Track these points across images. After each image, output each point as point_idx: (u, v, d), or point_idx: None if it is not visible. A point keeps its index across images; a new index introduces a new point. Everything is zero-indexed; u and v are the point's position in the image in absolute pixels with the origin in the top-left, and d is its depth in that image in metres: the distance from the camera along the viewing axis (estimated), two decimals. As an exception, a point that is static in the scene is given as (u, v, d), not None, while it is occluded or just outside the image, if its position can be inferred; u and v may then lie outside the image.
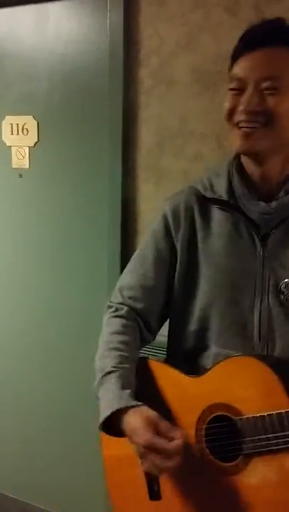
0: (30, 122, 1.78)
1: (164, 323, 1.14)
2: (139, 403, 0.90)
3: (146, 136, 1.54)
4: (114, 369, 0.97)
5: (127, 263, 1.64)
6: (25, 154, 1.82)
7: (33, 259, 1.87)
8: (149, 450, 0.83)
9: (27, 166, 1.82)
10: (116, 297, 1.11)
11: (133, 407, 0.89)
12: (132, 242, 1.64)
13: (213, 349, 1.01)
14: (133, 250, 1.63)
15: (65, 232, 1.79)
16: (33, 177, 1.82)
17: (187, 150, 1.49)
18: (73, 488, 1.95)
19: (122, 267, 1.64)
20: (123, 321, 1.06)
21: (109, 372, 0.96)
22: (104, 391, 0.95)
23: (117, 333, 1.04)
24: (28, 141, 1.80)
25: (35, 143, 1.79)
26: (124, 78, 1.51)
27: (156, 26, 1.46)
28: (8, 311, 1.96)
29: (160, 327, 1.14)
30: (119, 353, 1.00)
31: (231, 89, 0.93)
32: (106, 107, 1.59)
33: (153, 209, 1.58)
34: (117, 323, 1.06)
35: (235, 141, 0.93)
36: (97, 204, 1.70)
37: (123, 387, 0.93)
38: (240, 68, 0.91)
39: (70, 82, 1.68)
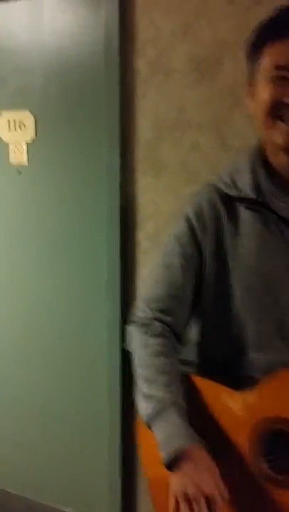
0: (27, 117, 1.77)
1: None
2: (202, 441, 0.86)
3: (143, 127, 1.53)
4: (170, 399, 0.90)
5: (126, 256, 1.66)
6: (23, 150, 1.81)
7: (33, 255, 1.86)
8: (200, 496, 0.79)
9: (25, 163, 1.81)
10: (143, 311, 1.02)
11: (196, 445, 0.85)
12: (132, 235, 1.63)
13: (250, 354, 0.96)
14: (132, 243, 1.63)
15: (65, 226, 1.78)
16: (32, 173, 1.81)
17: (185, 140, 1.48)
18: (77, 484, 1.95)
19: (122, 260, 1.65)
20: (160, 339, 0.98)
21: (166, 404, 0.90)
22: (165, 424, 0.88)
23: (159, 354, 0.96)
24: (25, 137, 1.79)
25: (33, 138, 1.78)
26: (121, 69, 1.51)
27: (152, 16, 1.45)
28: (7, 307, 1.95)
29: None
30: (168, 377, 0.93)
31: (276, 79, 0.86)
32: (103, 98, 1.58)
33: (151, 201, 1.57)
34: (156, 343, 0.98)
35: (277, 137, 0.88)
36: (95, 197, 1.69)
37: (184, 421, 0.88)
38: (281, 55, 0.85)
39: (66, 75, 1.67)
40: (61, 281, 1.83)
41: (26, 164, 1.81)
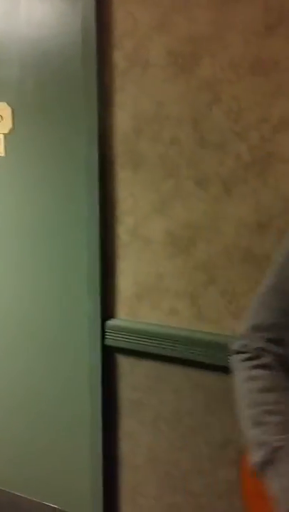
0: (4, 109, 1.74)
1: None
2: None
3: (122, 120, 1.52)
4: (284, 445, 0.79)
5: (106, 249, 1.66)
6: (0, 142, 1.78)
7: (10, 250, 1.84)
8: None
9: (2, 154, 1.79)
10: (251, 340, 0.91)
11: None
12: (111, 229, 1.62)
13: None
14: (112, 237, 1.63)
15: (44, 219, 1.77)
16: (10, 164, 1.78)
17: (164, 134, 1.47)
18: (62, 479, 1.96)
19: (102, 254, 1.64)
20: (269, 372, 0.87)
21: (280, 451, 0.78)
22: (279, 475, 0.77)
23: (269, 390, 0.85)
24: (3, 128, 1.77)
25: (10, 129, 1.75)
26: (98, 61, 1.48)
27: (129, 8, 1.43)
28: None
29: None
30: (280, 418, 0.81)
31: None
32: (80, 90, 1.56)
33: (131, 195, 1.56)
34: (266, 377, 0.87)
35: None
36: (74, 190, 1.68)
37: None
38: None
39: (44, 67, 1.64)
40: (40, 276, 1.82)
41: (3, 155, 1.79)
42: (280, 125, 1.32)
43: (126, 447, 1.79)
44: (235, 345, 0.94)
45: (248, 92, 1.34)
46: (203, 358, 1.54)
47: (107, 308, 1.69)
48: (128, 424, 1.76)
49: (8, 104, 1.73)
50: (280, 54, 1.28)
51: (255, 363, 0.88)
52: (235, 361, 0.92)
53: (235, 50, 1.33)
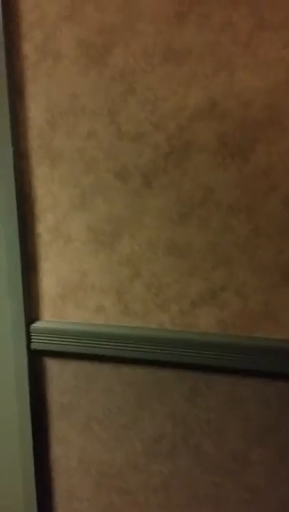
0: None
1: None
2: None
3: (35, 113, 1.46)
4: None
5: (27, 249, 1.59)
6: None
7: None
8: None
9: None
10: None
11: None
12: (31, 228, 1.57)
13: None
14: (33, 236, 1.57)
15: None
16: None
17: (80, 127, 1.44)
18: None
19: (22, 254, 1.58)
20: None
21: None
22: None
23: None
24: None
25: None
26: (7, 53, 1.42)
27: (37, -3, 1.38)
28: None
29: None
30: None
31: None
32: (-10, 84, 1.48)
33: (49, 192, 1.51)
34: None
35: None
36: (-11, 190, 1.60)
37: None
38: None
39: None
40: None
41: None
42: (196, 113, 1.33)
43: (58, 451, 1.74)
44: None
45: (163, 81, 1.33)
46: (133, 354, 1.52)
47: (31, 311, 1.62)
48: (59, 428, 1.71)
49: None
50: (192, 42, 1.29)
51: None
52: None
53: (147, 38, 1.32)
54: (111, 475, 1.70)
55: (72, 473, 1.74)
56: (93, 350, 1.56)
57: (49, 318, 1.62)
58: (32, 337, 1.61)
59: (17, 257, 1.58)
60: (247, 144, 1.32)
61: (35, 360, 1.66)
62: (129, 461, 1.67)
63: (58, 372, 1.65)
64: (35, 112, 1.46)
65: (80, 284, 1.56)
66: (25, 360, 1.63)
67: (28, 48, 1.42)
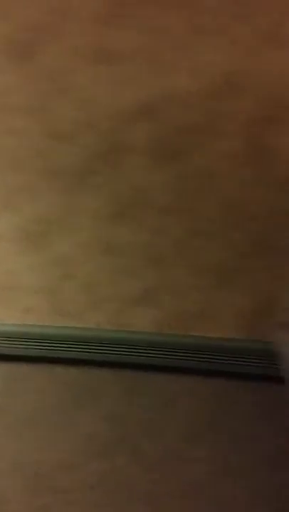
0: None
1: None
2: None
3: None
4: None
5: None
6: None
7: None
8: None
9: None
10: None
11: None
12: None
13: None
14: None
15: None
16: None
17: (10, 126, 1.36)
18: None
19: None
20: None
21: None
22: None
23: None
24: None
25: None
26: None
27: None
28: None
29: None
30: None
31: None
32: None
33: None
34: None
35: None
36: None
37: None
38: None
39: None
40: None
41: None
42: (130, 115, 1.31)
43: (-11, 457, 1.68)
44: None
45: (96, 82, 1.29)
46: (66, 354, 1.50)
47: None
48: (-10, 433, 1.65)
49: None
50: (124, 43, 1.25)
51: None
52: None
53: (77, 38, 1.26)
54: (44, 476, 1.67)
55: (4, 477, 1.69)
56: (25, 352, 1.52)
57: (-24, 321, 1.55)
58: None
59: None
60: (183, 147, 1.32)
61: None
62: (63, 460, 1.65)
63: (-14, 376, 1.59)
64: None
65: (9, 285, 1.50)
66: None
67: None
